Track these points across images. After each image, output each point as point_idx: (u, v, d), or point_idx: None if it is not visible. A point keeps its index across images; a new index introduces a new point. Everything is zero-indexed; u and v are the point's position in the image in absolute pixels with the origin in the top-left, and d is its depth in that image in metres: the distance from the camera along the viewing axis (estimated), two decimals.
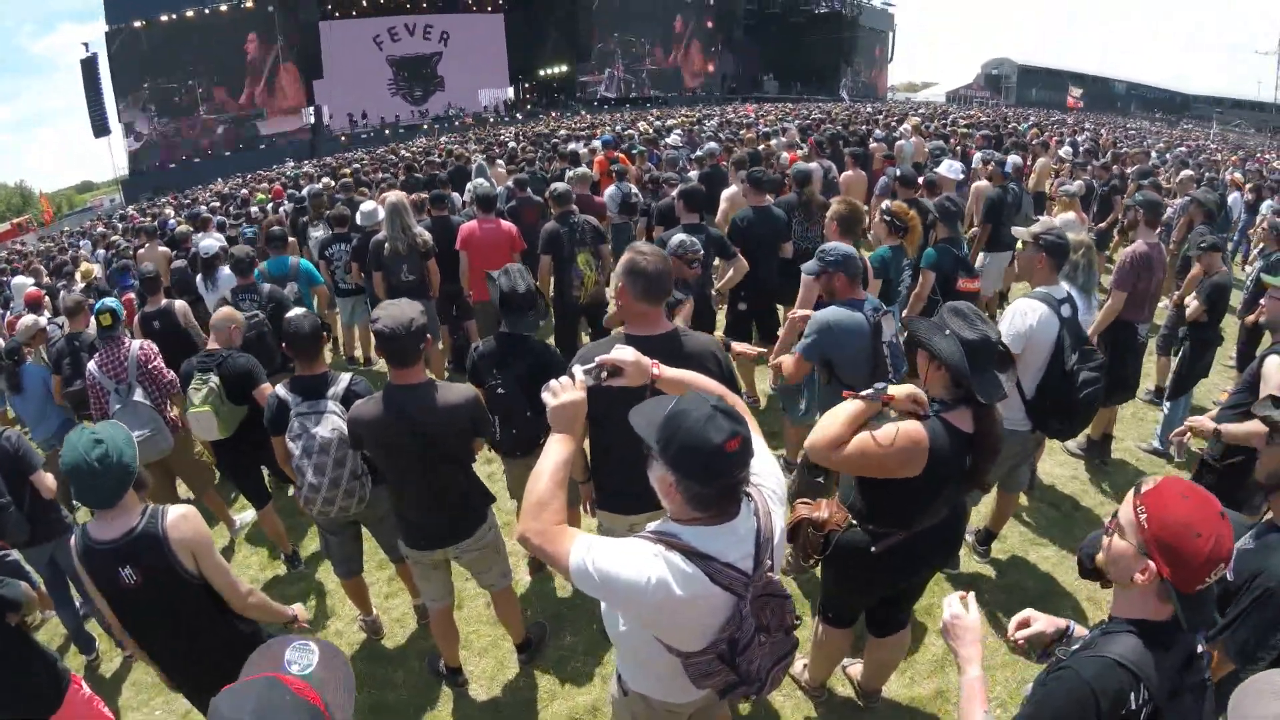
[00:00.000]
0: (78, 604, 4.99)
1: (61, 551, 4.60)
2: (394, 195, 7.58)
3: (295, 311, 4.39)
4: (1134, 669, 1.85)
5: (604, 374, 2.43)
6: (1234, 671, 2.60)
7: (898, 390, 2.94)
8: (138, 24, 38.46)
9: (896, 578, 3.33)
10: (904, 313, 5.93)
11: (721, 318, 7.13)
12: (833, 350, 4.12)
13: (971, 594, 2.28)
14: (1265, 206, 10.46)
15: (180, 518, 3.05)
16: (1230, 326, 7.25)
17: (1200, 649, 1.99)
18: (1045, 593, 4.79)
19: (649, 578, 1.98)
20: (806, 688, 4.07)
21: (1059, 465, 6.30)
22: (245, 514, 6.11)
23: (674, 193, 7.15)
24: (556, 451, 2.26)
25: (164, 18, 38.90)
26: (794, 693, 4.10)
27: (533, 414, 4.18)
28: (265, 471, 5.65)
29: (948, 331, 2.84)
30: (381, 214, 7.56)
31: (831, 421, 2.95)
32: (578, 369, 2.39)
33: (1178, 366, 6.38)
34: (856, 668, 4.05)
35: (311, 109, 43.97)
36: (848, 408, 2.96)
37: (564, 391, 2.31)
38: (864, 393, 2.97)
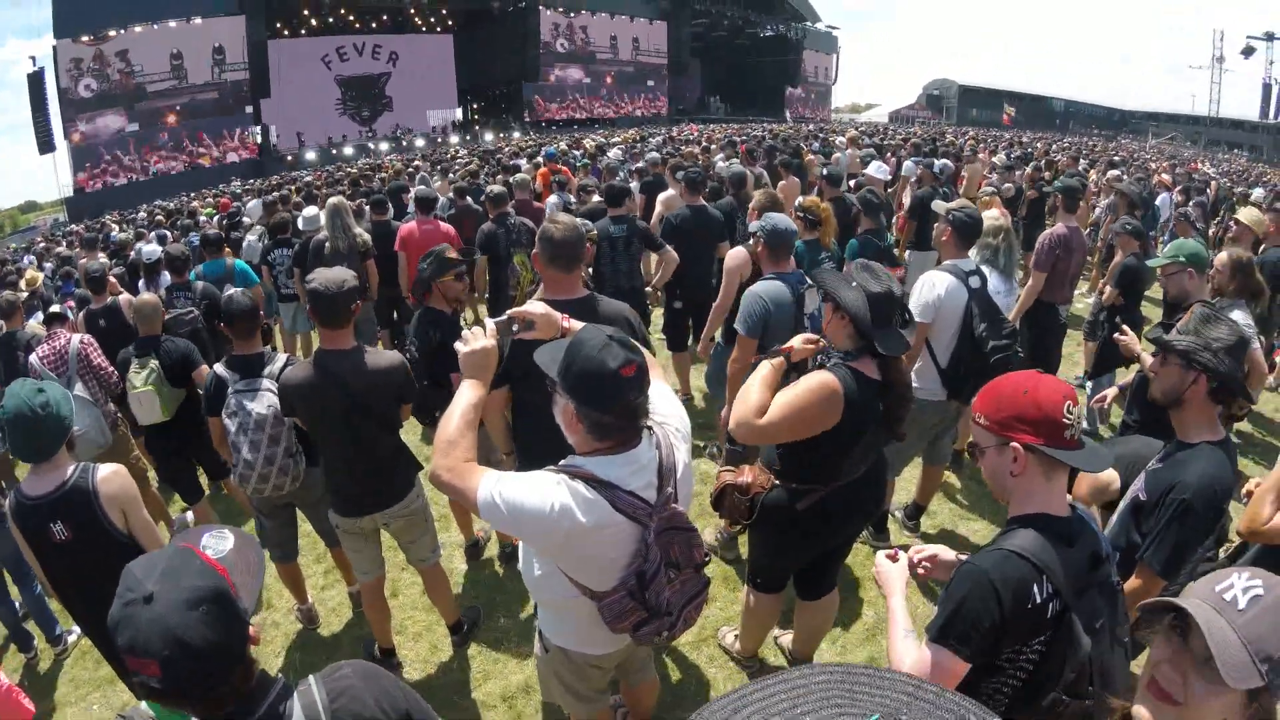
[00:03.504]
0: (17, 603, 4.95)
1: (1, 540, 4.60)
2: (334, 198, 7.65)
3: (233, 291, 4.47)
4: (1033, 560, 1.89)
5: (515, 326, 2.52)
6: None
7: (793, 341, 3.15)
8: (85, 39, 37.59)
9: (823, 535, 3.41)
10: None
11: (657, 316, 7.27)
12: (770, 320, 4.21)
13: (900, 550, 2.35)
14: (1192, 205, 10.91)
15: (111, 473, 3.13)
16: (1154, 313, 7.54)
17: (1106, 550, 2.08)
18: None
19: (553, 505, 2.06)
20: (739, 658, 4.15)
21: None
22: (187, 514, 6.03)
23: (594, 198, 7.32)
24: (467, 395, 2.35)
25: (112, 32, 38.15)
26: (726, 664, 4.19)
27: (429, 384, 4.35)
28: (199, 468, 5.65)
29: (854, 284, 2.96)
30: (323, 219, 7.60)
31: (746, 393, 3.06)
32: (489, 320, 2.49)
33: (1098, 347, 6.61)
34: (787, 637, 4.13)
35: (258, 128, 43.46)
36: (759, 373, 3.11)
37: (475, 339, 2.40)
38: (766, 355, 3.16)
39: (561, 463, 2.21)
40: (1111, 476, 3.59)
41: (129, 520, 3.15)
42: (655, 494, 2.18)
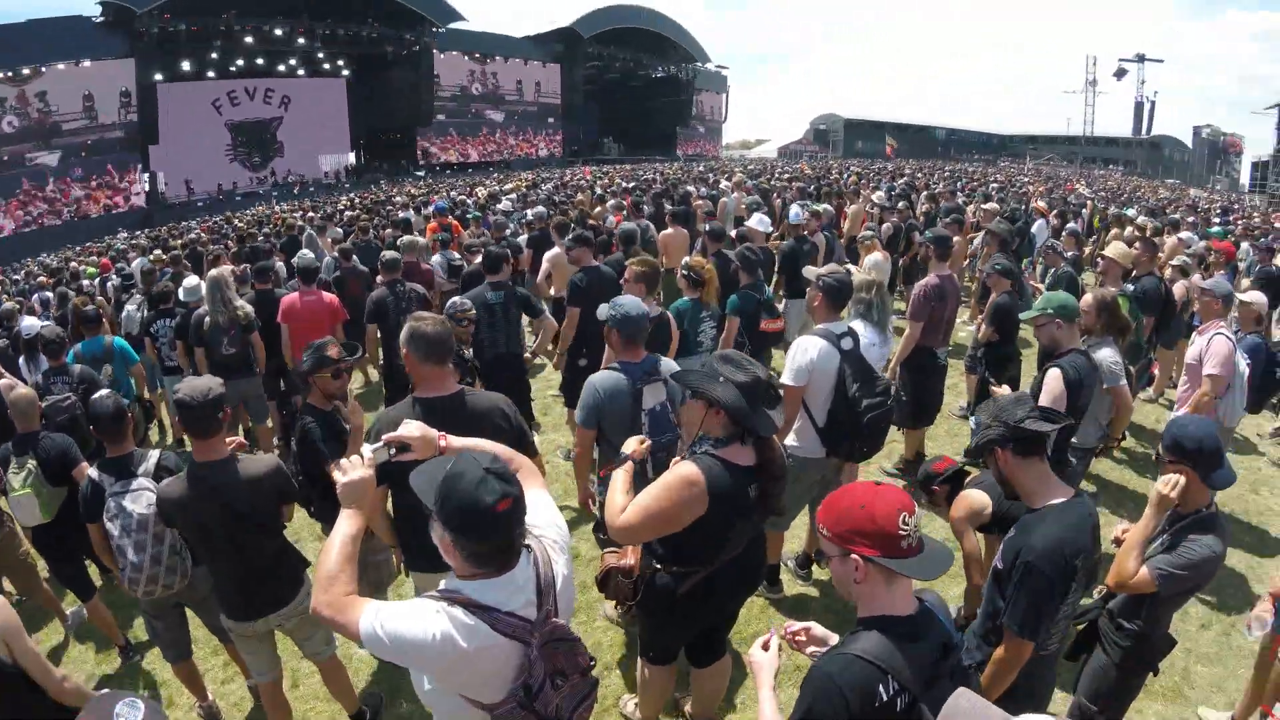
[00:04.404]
0: None
1: None
2: (214, 270, 7.54)
3: (98, 394, 4.41)
4: (877, 663, 2.00)
5: (392, 450, 2.53)
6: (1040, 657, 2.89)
7: (629, 447, 3.30)
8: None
9: (706, 613, 3.49)
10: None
11: (543, 377, 7.28)
12: (604, 412, 4.23)
13: (775, 637, 2.44)
14: (1066, 233, 11.39)
15: None
16: (1029, 333, 7.90)
17: (956, 639, 2.20)
18: None
19: (434, 634, 2.07)
20: None
21: None
22: (81, 610, 5.75)
23: (476, 259, 7.38)
24: (345, 528, 2.35)
25: (27, 70, 37.29)
26: None
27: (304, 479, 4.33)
28: (88, 562, 5.42)
29: (721, 379, 3.05)
30: (205, 289, 7.47)
31: (610, 500, 3.16)
32: (366, 447, 2.50)
33: (978, 384, 6.93)
34: (690, 702, 4.19)
35: (146, 176, 42.30)
36: (614, 480, 3.22)
37: (353, 469, 2.42)
38: (614, 464, 3.28)
39: (441, 585, 2.23)
40: (984, 502, 3.81)
41: (12, 650, 3.06)
42: (535, 611, 2.21)
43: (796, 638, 2.46)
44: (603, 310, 4.43)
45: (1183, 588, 3.21)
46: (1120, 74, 72.38)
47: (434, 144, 53.47)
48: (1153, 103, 74.76)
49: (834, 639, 2.41)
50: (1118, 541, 3.46)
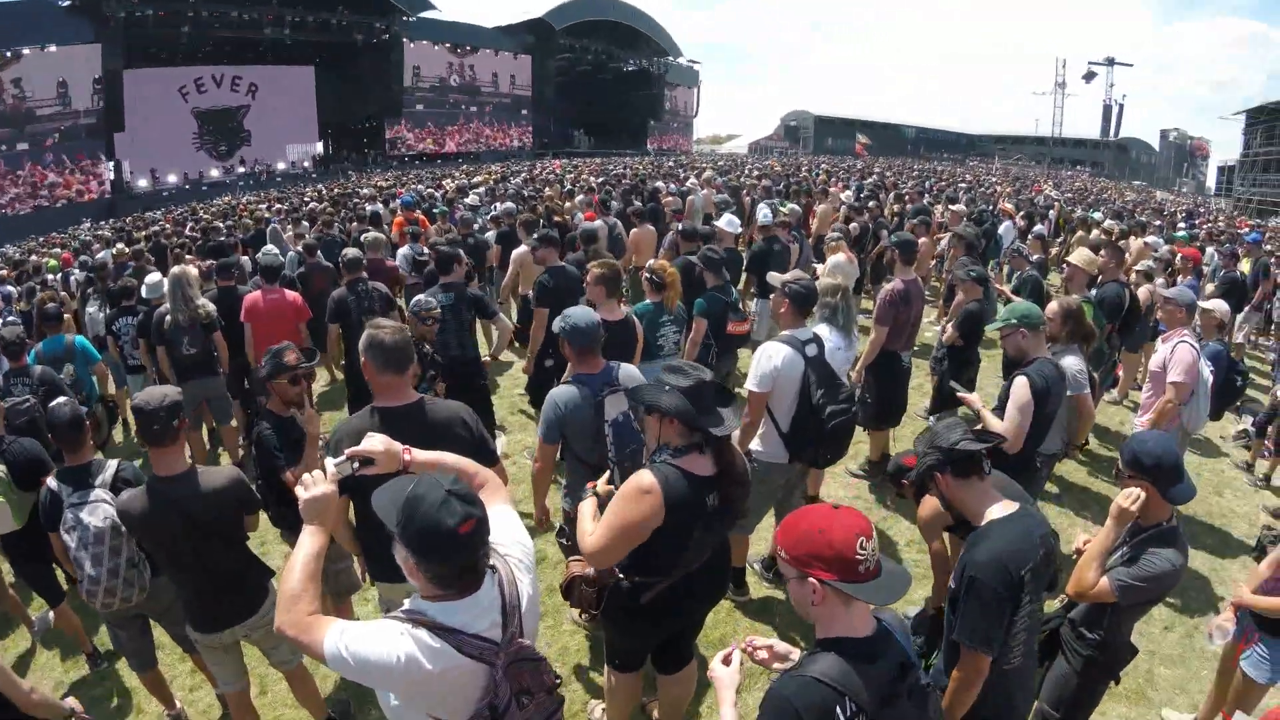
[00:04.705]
0: None
1: None
2: (177, 268, 7.39)
3: (56, 401, 4.32)
4: (834, 684, 2.02)
5: (356, 464, 2.49)
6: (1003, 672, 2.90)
7: (600, 485, 3.35)
8: None
9: (670, 622, 3.50)
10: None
11: (510, 375, 7.23)
12: (566, 424, 4.20)
13: (736, 651, 2.45)
14: (1032, 236, 11.43)
15: None
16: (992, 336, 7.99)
17: (913, 658, 2.21)
18: None
19: (398, 656, 2.05)
20: None
21: (842, 488, 6.75)
22: (49, 614, 5.57)
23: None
24: (309, 544, 2.32)
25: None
26: None
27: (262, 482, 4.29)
28: (56, 567, 5.30)
29: (668, 388, 3.07)
30: (166, 286, 7.31)
31: (581, 531, 3.20)
32: (329, 461, 2.46)
33: (938, 384, 6.99)
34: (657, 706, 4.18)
35: (111, 164, 41.63)
36: (583, 508, 3.28)
37: (315, 485, 2.38)
38: (581, 495, 3.35)
39: (406, 605, 2.21)
40: None
41: None
42: (501, 632, 2.19)
43: (758, 653, 2.46)
44: (555, 322, 4.42)
45: (1142, 599, 3.24)
46: (1089, 77, 73.05)
47: (412, 133, 53.33)
48: (1121, 105, 75.67)
49: (795, 655, 2.42)
50: (1078, 553, 3.49)
